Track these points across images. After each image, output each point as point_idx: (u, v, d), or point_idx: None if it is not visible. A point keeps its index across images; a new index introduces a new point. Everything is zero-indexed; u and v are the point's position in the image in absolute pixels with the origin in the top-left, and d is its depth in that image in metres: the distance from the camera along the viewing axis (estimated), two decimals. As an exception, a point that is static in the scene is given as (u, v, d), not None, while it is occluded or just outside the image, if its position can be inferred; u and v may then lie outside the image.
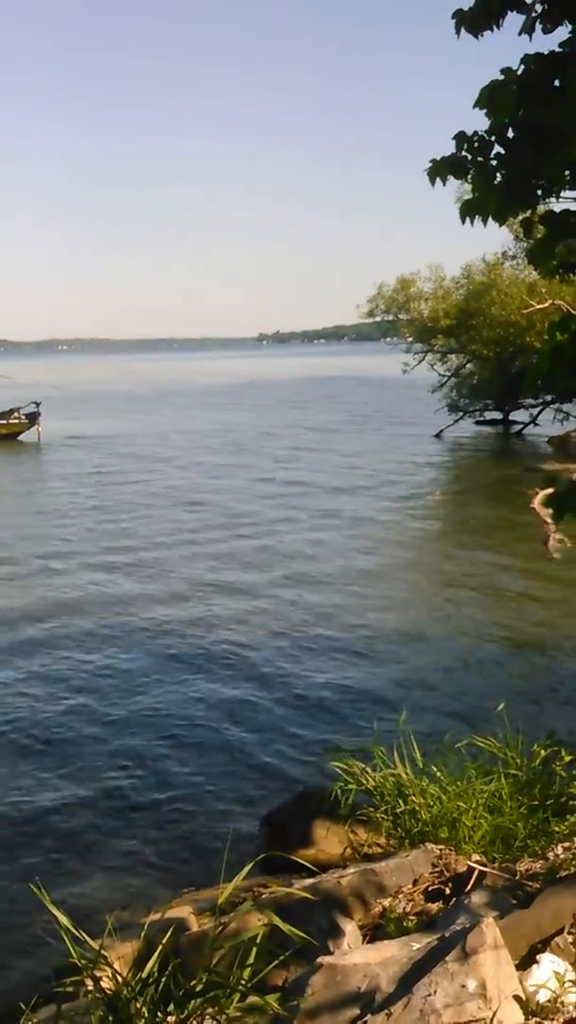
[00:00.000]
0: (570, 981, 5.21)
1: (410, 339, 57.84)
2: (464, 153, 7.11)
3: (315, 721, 14.41)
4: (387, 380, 78.37)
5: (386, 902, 7.42)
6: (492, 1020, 4.95)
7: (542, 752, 8.36)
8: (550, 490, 1.81)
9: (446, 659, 17.08)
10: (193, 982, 5.30)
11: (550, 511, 1.71)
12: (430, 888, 7.53)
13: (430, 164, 7.27)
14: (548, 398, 52.24)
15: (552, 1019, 5.07)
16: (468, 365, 55.90)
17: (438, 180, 7.27)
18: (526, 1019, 5.12)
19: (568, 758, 8.11)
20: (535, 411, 55.03)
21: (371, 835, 9.08)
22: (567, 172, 6.93)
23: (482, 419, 57.93)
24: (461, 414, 56.21)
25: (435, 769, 8.89)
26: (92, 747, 13.77)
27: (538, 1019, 5.10)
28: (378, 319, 59.44)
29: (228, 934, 6.14)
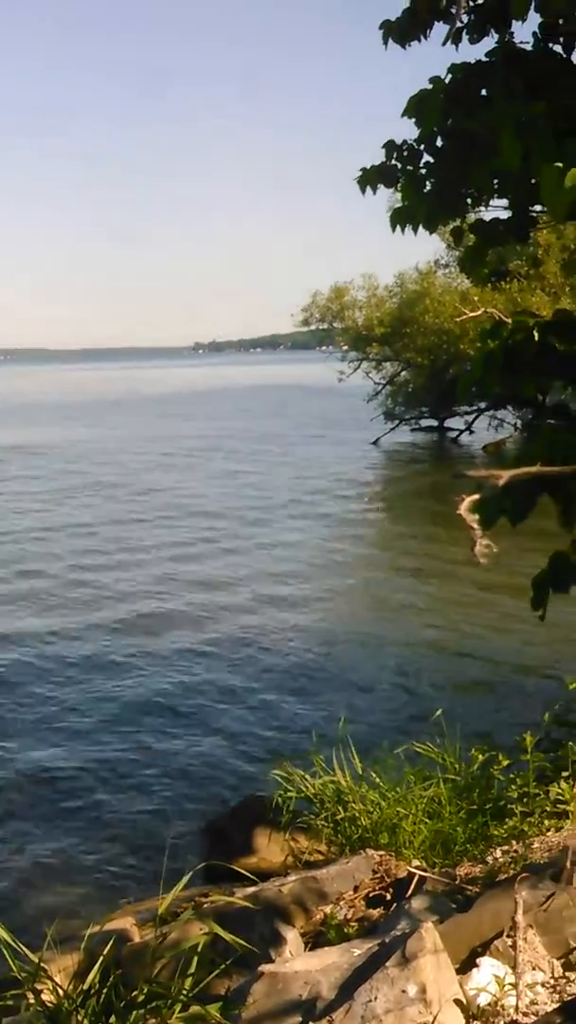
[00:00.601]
0: (510, 984, 5.24)
1: (345, 347, 58.00)
2: (394, 162, 7.18)
3: (254, 729, 14.39)
4: (323, 388, 78.55)
5: (327, 909, 7.45)
6: (433, 1024, 4.97)
7: (480, 756, 8.41)
8: (476, 496, 1.84)
9: (382, 667, 17.12)
10: (134, 993, 5.28)
11: (476, 517, 1.74)
12: (371, 894, 7.57)
13: (360, 173, 7.33)
14: (482, 405, 52.59)
15: (492, 1022, 5.09)
16: (403, 373, 56.13)
17: (368, 189, 7.33)
18: (467, 1022, 5.14)
19: (506, 762, 8.16)
20: (470, 418, 55.41)
21: (312, 842, 9.11)
22: (495, 181, 7.00)
23: (418, 426, 58.14)
24: (397, 422, 56.40)
25: (374, 775, 8.93)
26: (27, 756, 13.66)
27: (479, 1022, 5.13)
28: (313, 328, 59.52)
29: (169, 944, 6.12)
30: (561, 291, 43.87)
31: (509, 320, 6.22)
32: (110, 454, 54.10)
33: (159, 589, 23.85)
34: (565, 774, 7.60)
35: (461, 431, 55.91)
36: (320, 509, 34.16)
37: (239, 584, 23.94)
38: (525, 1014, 5.07)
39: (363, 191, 7.33)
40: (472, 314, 7.06)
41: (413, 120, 6.68)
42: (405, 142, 7.10)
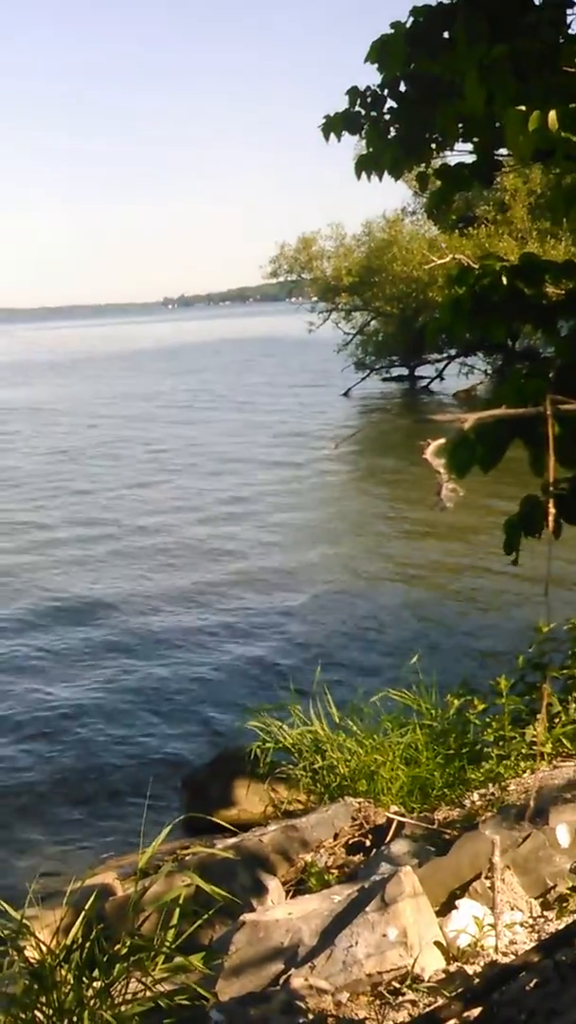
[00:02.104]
0: (489, 925, 5.30)
1: (314, 298, 57.74)
2: (357, 108, 7.11)
3: (230, 681, 14.45)
4: (294, 340, 78.34)
5: (308, 857, 7.50)
6: (413, 967, 5.02)
7: (455, 702, 8.44)
8: (441, 440, 1.83)
9: (356, 616, 17.18)
10: (117, 946, 5.31)
11: (442, 461, 1.73)
12: (351, 841, 7.62)
13: (324, 120, 7.26)
14: (452, 352, 52.53)
15: (472, 963, 5.15)
16: (372, 322, 55.93)
17: (332, 136, 7.27)
18: (447, 964, 5.20)
19: (481, 706, 8.19)
20: (440, 366, 55.31)
21: (291, 792, 9.16)
22: (460, 125, 6.94)
23: (388, 376, 57.99)
24: (368, 371, 56.23)
25: (351, 723, 8.97)
26: (4, 715, 13.67)
27: (459, 964, 5.18)
28: (282, 279, 59.19)
29: (151, 897, 6.17)
30: (528, 235, 43.79)
31: (477, 266, 6.20)
32: (89, 410, 53.93)
33: (129, 540, 23.89)
34: (543, 716, 7.64)
35: (432, 379, 55.80)
36: (290, 460, 34.13)
37: (210, 536, 23.98)
38: (504, 954, 5.13)
39: (327, 138, 7.25)
40: (440, 261, 6.99)
41: (376, 66, 6.61)
42: (368, 88, 7.04)
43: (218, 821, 8.13)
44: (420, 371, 57.34)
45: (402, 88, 6.98)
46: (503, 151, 6.66)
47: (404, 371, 57.90)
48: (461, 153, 7.30)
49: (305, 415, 46.91)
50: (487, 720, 8.13)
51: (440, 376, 55.29)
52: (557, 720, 7.65)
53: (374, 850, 7.05)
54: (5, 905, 5.42)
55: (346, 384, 55.05)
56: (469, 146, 7.15)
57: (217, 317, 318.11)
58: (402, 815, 7.34)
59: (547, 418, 1.94)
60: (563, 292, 6.76)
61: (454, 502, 1.90)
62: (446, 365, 54.78)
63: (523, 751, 7.54)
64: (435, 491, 1.90)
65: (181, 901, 5.90)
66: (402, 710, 9.17)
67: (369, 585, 19.03)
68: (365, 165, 7.04)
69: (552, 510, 2.31)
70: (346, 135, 7.27)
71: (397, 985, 4.97)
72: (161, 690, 14.29)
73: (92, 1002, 4.90)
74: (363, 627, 16.53)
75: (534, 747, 7.36)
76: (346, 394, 54.49)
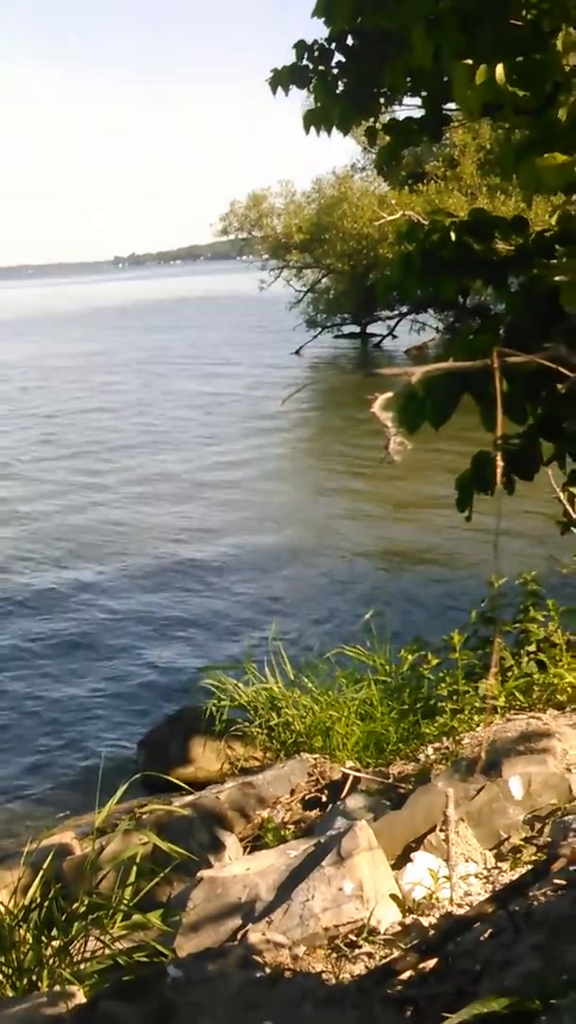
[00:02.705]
0: (444, 877, 5.35)
1: (265, 256, 57.44)
2: (305, 62, 7.06)
3: (186, 641, 14.45)
4: (245, 298, 77.97)
5: (265, 813, 7.56)
6: (369, 920, 5.07)
7: (409, 657, 8.50)
8: (388, 394, 1.83)
9: (310, 574, 17.20)
10: (75, 905, 5.34)
11: (389, 415, 1.72)
12: (307, 797, 7.68)
13: (271, 74, 7.20)
14: (404, 309, 52.42)
15: (428, 915, 5.20)
16: (324, 280, 55.74)
17: (280, 90, 7.21)
18: (403, 917, 5.25)
19: (435, 661, 8.26)
20: (392, 323, 55.25)
21: (247, 749, 9.20)
22: (408, 79, 6.90)
23: (340, 333, 57.86)
24: (319, 329, 56.09)
25: (306, 680, 9.02)
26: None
27: (415, 916, 5.23)
28: (232, 237, 58.86)
29: (109, 856, 6.20)
30: (478, 191, 43.70)
31: (426, 222, 6.18)
32: (39, 371, 53.52)
33: (80, 496, 23.85)
34: (495, 670, 7.71)
35: (383, 336, 55.78)
36: (240, 419, 34.05)
37: (161, 496, 23.91)
38: (459, 905, 5.19)
39: (274, 92, 7.20)
40: (390, 217, 6.96)
41: (323, 19, 6.56)
42: (316, 42, 6.98)
43: (175, 780, 8.16)
44: (372, 328, 57.25)
45: (350, 42, 6.93)
46: (452, 105, 6.63)
47: (356, 329, 57.79)
48: (410, 108, 7.27)
49: (255, 373, 46.76)
50: (441, 675, 8.20)
51: (392, 333, 55.24)
52: (510, 674, 7.72)
53: (330, 805, 7.11)
54: (-38, 867, 5.43)
55: (297, 343, 54.89)
56: (418, 101, 7.12)
57: (168, 276, 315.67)
58: (357, 770, 7.41)
59: (494, 371, 1.94)
60: (513, 248, 6.77)
61: (402, 456, 1.91)
62: (397, 322, 54.70)
63: (476, 705, 7.61)
64: (383, 445, 1.91)
65: (138, 859, 5.94)
66: (357, 666, 9.24)
67: (321, 542, 19.04)
68: (313, 120, 7.00)
69: (501, 464, 2.32)
70: (295, 89, 7.23)
71: (353, 938, 5.03)
72: (116, 651, 14.26)
73: (51, 961, 4.93)
74: (316, 585, 16.57)
75: (487, 701, 7.42)
76: (298, 352, 54.30)
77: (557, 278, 5.03)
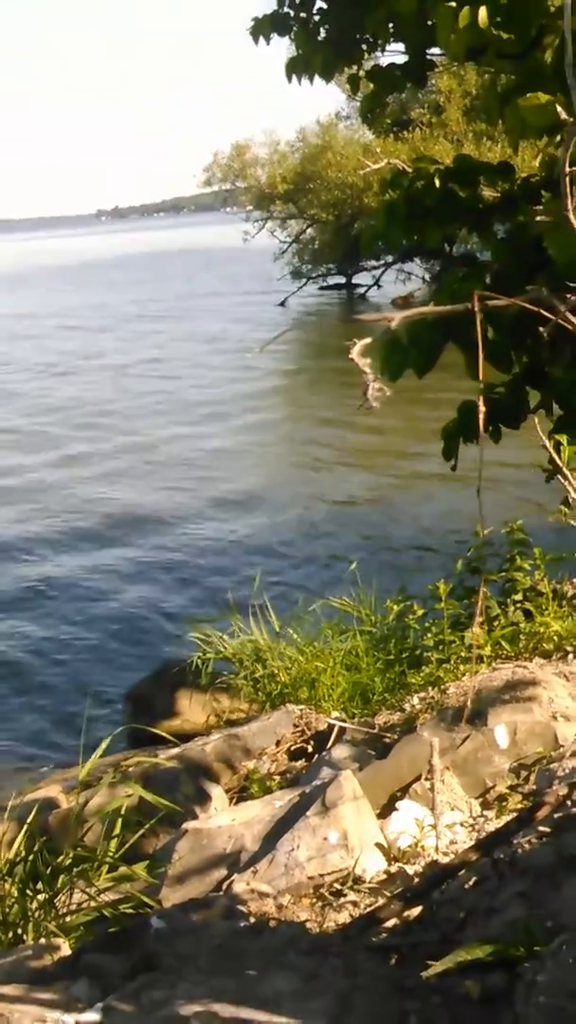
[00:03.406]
0: (429, 826, 5.36)
1: (249, 207, 57.06)
2: (286, 9, 6.96)
3: (169, 594, 14.46)
4: (230, 250, 77.44)
5: (250, 764, 7.56)
6: (354, 869, 5.08)
7: (395, 608, 8.49)
8: (367, 340, 1.80)
9: (294, 526, 17.18)
10: (60, 858, 5.34)
11: (368, 361, 1.69)
12: (293, 747, 7.68)
13: (252, 22, 7.10)
14: (389, 259, 52.15)
15: (413, 863, 5.21)
16: (308, 230, 55.40)
17: (261, 39, 7.11)
18: (388, 865, 5.27)
19: (420, 611, 8.25)
20: (378, 273, 54.97)
21: (233, 701, 9.21)
22: (390, 24, 6.81)
23: (326, 284, 57.59)
24: (304, 280, 55.82)
25: (291, 632, 9.01)
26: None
27: (400, 864, 5.25)
28: (216, 188, 58.42)
29: (94, 808, 6.20)
30: (464, 138, 43.35)
31: (411, 169, 6.11)
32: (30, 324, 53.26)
33: (64, 453, 23.81)
34: (480, 620, 7.70)
35: (369, 287, 55.49)
36: (227, 372, 33.91)
37: (146, 449, 23.83)
38: (445, 853, 5.20)
39: (256, 41, 7.11)
40: (375, 166, 6.89)
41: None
42: (297, -13, 6.89)
43: (161, 733, 8.18)
44: (358, 279, 56.95)
45: (331, -12, 6.83)
46: (436, 51, 6.54)
47: (341, 279, 57.50)
48: (393, 54, 7.17)
49: (240, 325, 46.55)
50: (427, 625, 8.19)
51: (377, 284, 54.95)
52: (496, 623, 7.71)
53: (316, 756, 7.12)
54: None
55: (283, 294, 54.60)
56: (401, 47, 7.03)
57: (152, 228, 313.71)
58: (343, 720, 7.41)
59: (475, 314, 1.89)
60: (499, 194, 6.70)
61: (380, 402, 1.87)
62: (383, 272, 54.42)
63: (462, 655, 7.60)
64: (362, 391, 1.87)
65: (124, 811, 5.95)
66: (342, 617, 9.23)
67: (304, 497, 18.98)
68: (296, 68, 6.91)
69: (483, 409, 2.28)
70: (276, 37, 7.13)
71: (339, 887, 5.04)
72: (101, 605, 14.26)
73: (36, 914, 4.93)
74: (300, 536, 16.55)
75: (473, 650, 7.42)
76: (283, 303, 54.05)
77: (537, 219, 4.98)
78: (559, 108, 3.26)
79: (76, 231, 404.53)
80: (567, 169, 1.98)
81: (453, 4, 4.96)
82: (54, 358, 39.95)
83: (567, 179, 1.99)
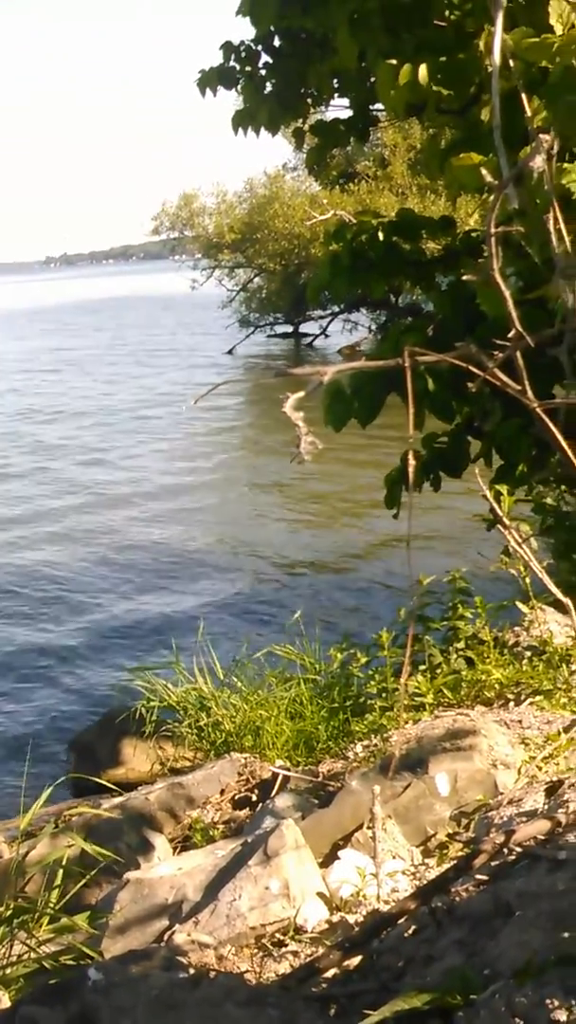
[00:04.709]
0: (371, 874, 5.36)
1: (197, 256, 57.41)
2: (233, 63, 7.07)
3: (114, 642, 14.40)
4: (177, 298, 77.80)
5: (194, 813, 7.54)
6: (296, 918, 5.08)
7: (339, 656, 8.53)
8: (300, 394, 1.84)
9: (237, 575, 17.18)
10: (0, 909, 5.30)
11: (300, 414, 1.73)
12: (237, 796, 7.67)
13: (199, 75, 7.21)
14: (336, 309, 52.56)
15: (355, 912, 5.21)
16: (256, 279, 55.76)
17: (208, 91, 7.22)
18: (330, 915, 5.26)
19: (364, 660, 8.28)
20: (324, 322, 55.38)
21: (178, 749, 9.19)
22: (334, 80, 6.94)
23: (273, 333, 57.98)
24: (252, 328, 56.16)
25: (236, 680, 9.03)
26: None
27: (342, 914, 5.24)
28: (164, 237, 58.76)
29: (36, 859, 6.16)
30: (409, 191, 43.88)
31: (355, 222, 6.21)
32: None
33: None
34: (422, 667, 7.74)
35: (316, 336, 55.90)
36: (171, 421, 33.93)
37: (86, 501, 23.76)
38: (386, 902, 5.20)
39: (203, 93, 7.22)
40: (321, 217, 6.99)
41: (249, 19, 6.56)
42: (243, 42, 7.00)
43: (103, 782, 8.15)
44: (305, 327, 57.34)
45: (276, 43, 6.95)
46: (379, 106, 6.66)
47: (288, 328, 57.90)
48: (338, 108, 7.30)
49: (186, 374, 46.67)
50: (370, 672, 8.22)
51: (324, 333, 55.35)
52: (439, 671, 7.75)
53: (260, 804, 7.11)
54: None
55: (230, 342, 54.86)
56: (345, 101, 7.16)
57: (101, 276, 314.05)
58: (287, 769, 7.41)
59: (406, 370, 1.95)
60: (441, 248, 6.82)
61: (312, 456, 1.91)
62: (329, 322, 54.83)
63: (405, 702, 7.64)
64: (295, 444, 1.91)
65: (65, 862, 5.91)
66: (286, 665, 9.24)
67: (247, 546, 18.99)
68: (242, 120, 7.02)
69: (413, 462, 2.33)
70: (222, 90, 7.24)
71: (280, 937, 5.03)
72: (43, 651, 14.18)
73: (-25, 966, 4.89)
74: (245, 586, 16.57)
75: (417, 698, 7.45)
76: (230, 352, 54.31)
77: (465, 277, 5.07)
78: (484, 171, 3.34)
79: (24, 277, 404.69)
80: (493, 229, 2.04)
81: (394, 61, 5.06)
82: None
83: (493, 239, 2.05)
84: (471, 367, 2.10)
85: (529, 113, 3.22)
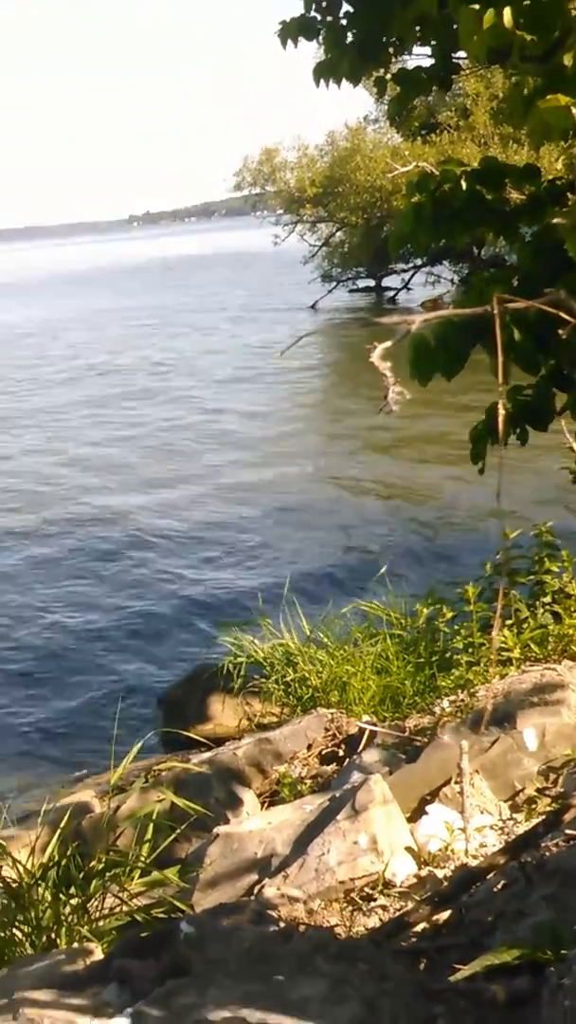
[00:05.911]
0: (459, 829, 5.35)
1: (279, 211, 57.14)
2: (314, 13, 6.96)
3: (201, 598, 14.45)
4: (260, 254, 77.61)
5: (282, 768, 7.57)
6: (384, 873, 5.08)
7: (424, 611, 8.50)
8: (387, 343, 1.80)
9: (324, 529, 17.10)
10: (93, 863, 5.36)
11: (388, 364, 1.70)
12: (324, 751, 7.68)
13: (279, 26, 7.11)
14: (418, 262, 52.11)
15: (443, 867, 5.21)
16: (337, 233, 55.39)
17: (289, 43, 7.12)
18: (419, 869, 5.26)
19: (450, 614, 8.25)
20: (407, 276, 54.94)
21: (265, 705, 9.22)
22: (416, 27, 6.81)
23: (355, 287, 57.63)
24: (334, 283, 55.81)
25: (322, 636, 9.03)
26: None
27: (430, 868, 5.24)
28: (246, 192, 58.52)
29: (127, 813, 6.23)
30: (491, 141, 43.27)
31: (438, 172, 6.11)
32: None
33: (98, 456, 23.94)
34: (509, 622, 7.69)
35: (398, 289, 55.44)
36: (258, 375, 33.96)
37: (178, 453, 23.89)
38: (474, 856, 5.19)
39: (284, 45, 7.11)
40: (403, 169, 6.88)
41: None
42: (325, -8, 6.90)
43: (193, 736, 8.21)
44: (387, 281, 56.91)
45: (357, -9, 6.83)
46: (461, 53, 6.53)
47: (371, 282, 57.51)
48: (420, 57, 7.17)
49: (270, 329, 46.58)
50: (456, 628, 8.19)
51: (407, 286, 54.91)
52: (525, 625, 7.70)
53: (347, 760, 7.12)
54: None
55: (313, 297, 54.61)
56: (427, 50, 7.02)
57: (184, 233, 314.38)
58: (374, 724, 7.40)
59: (495, 318, 1.90)
60: (525, 196, 6.69)
61: (400, 405, 1.88)
62: (412, 275, 54.39)
63: (492, 657, 7.60)
64: (382, 395, 1.88)
65: (156, 816, 5.97)
66: (372, 621, 9.22)
67: (334, 501, 18.93)
68: (323, 72, 6.91)
69: (503, 412, 2.28)
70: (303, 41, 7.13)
71: (369, 891, 5.04)
72: (133, 609, 14.30)
73: (69, 918, 4.96)
74: (330, 540, 16.52)
75: (503, 653, 7.41)
76: (313, 307, 54.08)
77: (555, 220, 4.96)
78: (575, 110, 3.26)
79: (109, 236, 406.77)
80: (583, 173, 1.99)
81: (476, 6, 4.96)
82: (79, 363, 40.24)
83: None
84: (561, 313, 2.05)
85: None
